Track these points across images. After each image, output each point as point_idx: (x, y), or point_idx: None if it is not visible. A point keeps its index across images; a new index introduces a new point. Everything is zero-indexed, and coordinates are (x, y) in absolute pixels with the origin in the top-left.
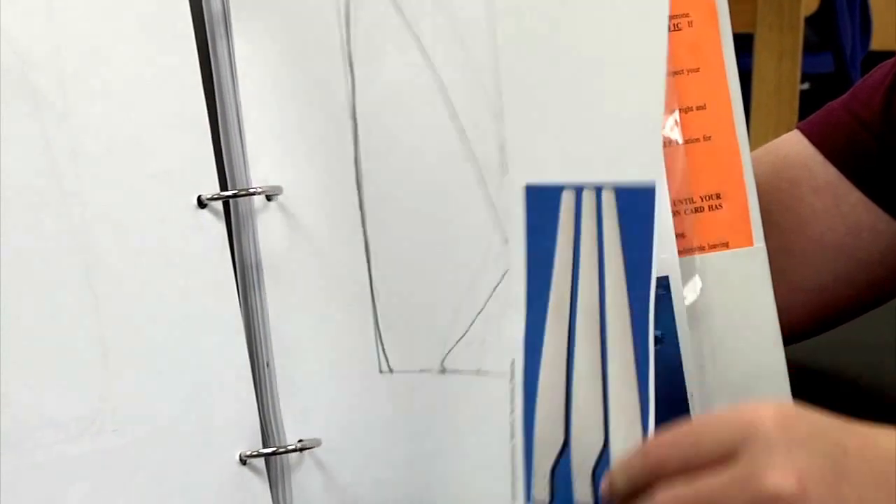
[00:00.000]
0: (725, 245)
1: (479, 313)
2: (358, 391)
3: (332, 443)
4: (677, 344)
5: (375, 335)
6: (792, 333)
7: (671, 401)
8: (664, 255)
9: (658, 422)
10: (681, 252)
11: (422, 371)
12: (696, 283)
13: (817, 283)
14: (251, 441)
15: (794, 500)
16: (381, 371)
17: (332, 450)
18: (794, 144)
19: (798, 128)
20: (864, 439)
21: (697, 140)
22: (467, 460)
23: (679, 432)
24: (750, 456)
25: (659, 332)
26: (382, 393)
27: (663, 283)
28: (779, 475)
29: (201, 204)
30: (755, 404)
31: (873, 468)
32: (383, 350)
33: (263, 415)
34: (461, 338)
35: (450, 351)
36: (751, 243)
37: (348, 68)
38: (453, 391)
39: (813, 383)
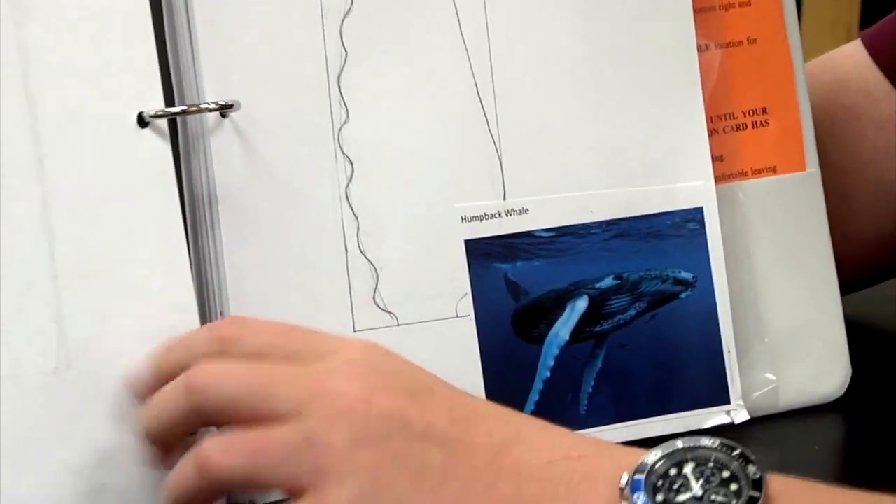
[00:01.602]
0: (773, 170)
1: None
2: None
3: None
4: (713, 288)
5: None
6: (847, 285)
7: (705, 354)
8: (697, 183)
9: (691, 380)
10: (718, 178)
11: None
12: (736, 216)
13: (874, 234)
14: None
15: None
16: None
17: None
18: (855, 62)
19: (861, 38)
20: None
21: (740, 43)
22: None
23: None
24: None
25: (690, 275)
26: None
27: (696, 215)
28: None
29: (142, 122)
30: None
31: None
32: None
33: None
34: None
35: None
36: (803, 168)
37: None
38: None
39: (862, 338)
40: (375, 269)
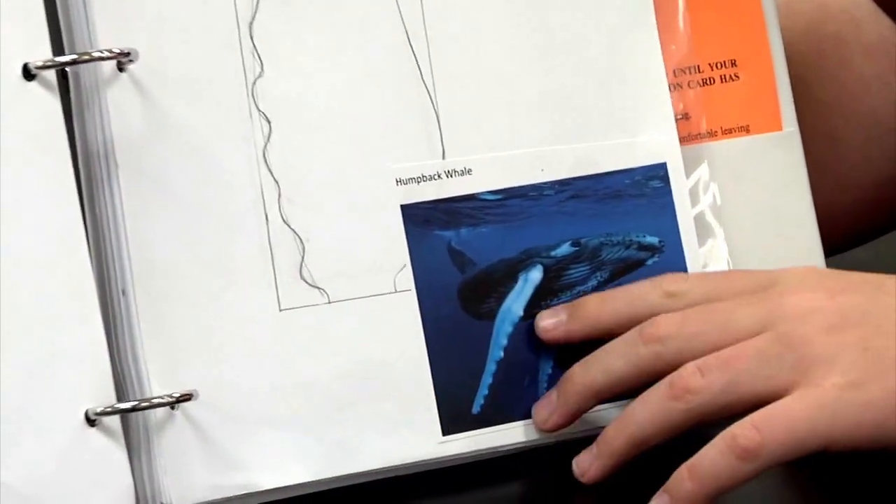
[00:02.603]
0: (745, 129)
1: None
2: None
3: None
4: (682, 254)
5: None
6: (836, 241)
7: None
8: (659, 136)
9: None
10: (684, 139)
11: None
12: (706, 179)
13: (871, 179)
14: (101, 394)
15: (815, 302)
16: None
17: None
18: None
19: None
20: None
21: None
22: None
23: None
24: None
25: (656, 239)
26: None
27: (659, 172)
28: (794, 291)
29: (28, 74)
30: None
31: None
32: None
33: (118, 360)
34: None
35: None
36: (779, 127)
37: None
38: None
39: None
40: (301, 241)
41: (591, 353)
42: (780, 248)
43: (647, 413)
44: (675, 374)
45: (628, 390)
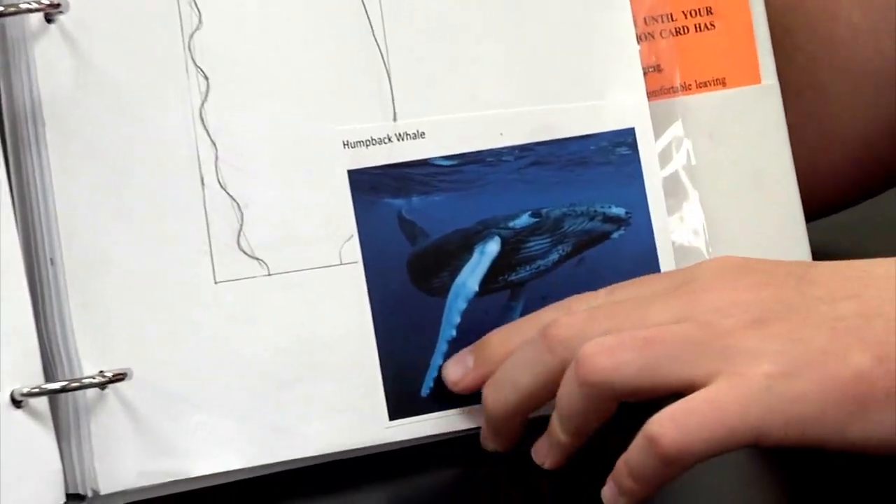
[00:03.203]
0: (721, 82)
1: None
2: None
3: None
4: (650, 226)
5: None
6: (819, 203)
7: None
8: (626, 98)
9: None
10: (656, 93)
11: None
12: (679, 138)
13: (857, 134)
14: (27, 374)
15: (736, 295)
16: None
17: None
18: None
19: None
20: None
21: None
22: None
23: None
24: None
25: (623, 211)
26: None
27: (627, 138)
28: (712, 284)
29: None
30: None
31: (841, 276)
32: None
33: (46, 336)
34: None
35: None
36: (757, 79)
37: None
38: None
39: None
40: (239, 207)
41: (500, 369)
42: (758, 210)
43: (568, 406)
44: (581, 351)
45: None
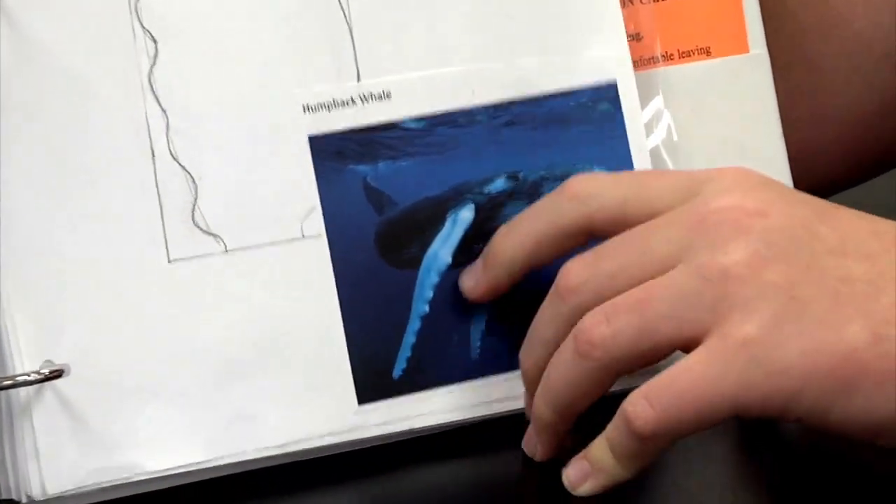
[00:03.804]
0: (706, 52)
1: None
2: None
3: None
4: None
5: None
6: (815, 186)
7: None
8: (607, 50)
9: None
10: (636, 64)
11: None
12: (659, 112)
13: (852, 111)
14: None
15: (742, 219)
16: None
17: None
18: None
19: None
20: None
21: None
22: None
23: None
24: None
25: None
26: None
27: (609, 93)
28: (720, 200)
29: None
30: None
31: (860, 229)
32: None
33: None
34: None
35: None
36: (745, 48)
37: None
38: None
39: None
40: (193, 179)
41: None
42: None
43: (561, 377)
44: (579, 324)
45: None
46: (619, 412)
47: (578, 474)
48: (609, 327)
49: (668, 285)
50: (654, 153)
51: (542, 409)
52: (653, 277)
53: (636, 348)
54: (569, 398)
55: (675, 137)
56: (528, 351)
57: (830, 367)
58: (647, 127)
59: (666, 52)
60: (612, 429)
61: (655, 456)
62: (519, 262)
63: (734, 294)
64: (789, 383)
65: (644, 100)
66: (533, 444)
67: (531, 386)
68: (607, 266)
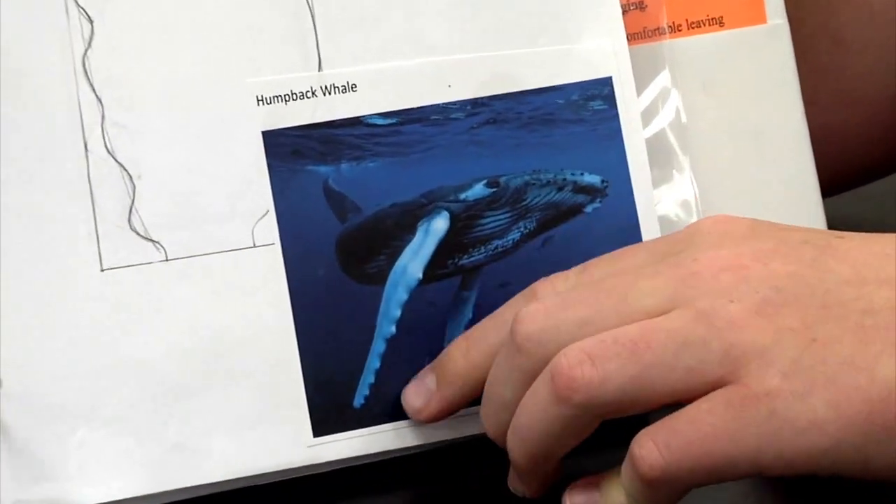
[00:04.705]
0: (719, 22)
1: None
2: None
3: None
4: (632, 197)
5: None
6: (840, 174)
7: None
8: (602, 42)
9: None
10: (636, 36)
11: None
12: (666, 91)
13: (882, 90)
14: None
15: (741, 267)
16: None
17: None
18: None
19: None
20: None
21: None
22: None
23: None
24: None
25: (598, 179)
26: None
27: (603, 90)
28: (710, 251)
29: None
30: None
31: (873, 252)
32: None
33: None
34: None
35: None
36: (762, 18)
37: None
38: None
39: None
40: (130, 178)
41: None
42: (762, 179)
43: (535, 424)
44: (554, 363)
45: None
46: (629, 452)
47: None
48: (596, 370)
49: (669, 329)
50: (661, 137)
51: (517, 457)
52: None
53: (627, 397)
54: (544, 447)
55: (684, 119)
56: (488, 414)
57: (867, 413)
58: (651, 108)
59: (673, 23)
60: (625, 468)
61: (674, 501)
62: (480, 381)
63: (746, 342)
64: (820, 440)
65: (648, 76)
66: (518, 483)
67: (503, 445)
68: (575, 314)
